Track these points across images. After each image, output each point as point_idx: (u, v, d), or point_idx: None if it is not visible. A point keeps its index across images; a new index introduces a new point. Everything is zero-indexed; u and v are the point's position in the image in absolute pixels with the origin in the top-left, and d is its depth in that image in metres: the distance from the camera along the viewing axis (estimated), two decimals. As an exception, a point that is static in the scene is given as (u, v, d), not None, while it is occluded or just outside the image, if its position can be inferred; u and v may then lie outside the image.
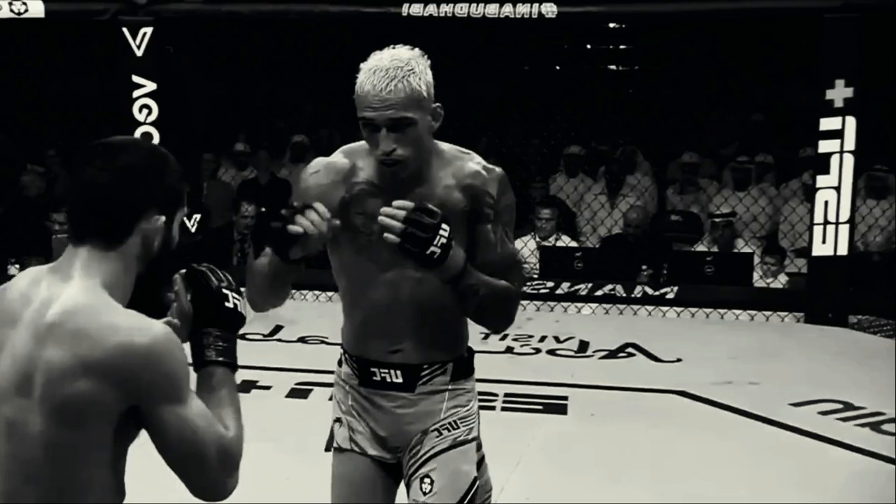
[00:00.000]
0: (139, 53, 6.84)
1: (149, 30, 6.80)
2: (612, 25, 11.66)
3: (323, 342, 5.80)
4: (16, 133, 8.86)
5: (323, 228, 2.25)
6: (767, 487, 4.03)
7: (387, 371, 2.47)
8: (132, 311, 1.69)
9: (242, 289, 1.93)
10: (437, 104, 2.40)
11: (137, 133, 6.84)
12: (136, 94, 6.87)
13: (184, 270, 1.86)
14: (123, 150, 1.76)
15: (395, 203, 2.23)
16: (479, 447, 2.60)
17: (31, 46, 8.45)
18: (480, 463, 2.63)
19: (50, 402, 1.63)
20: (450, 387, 2.50)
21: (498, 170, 2.47)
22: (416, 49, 2.41)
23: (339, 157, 2.48)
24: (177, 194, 1.80)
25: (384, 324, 2.45)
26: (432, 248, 2.21)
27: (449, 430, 2.48)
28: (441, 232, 2.22)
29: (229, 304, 1.84)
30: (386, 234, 2.21)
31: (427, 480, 2.46)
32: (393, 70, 2.30)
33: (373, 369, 2.48)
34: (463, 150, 2.51)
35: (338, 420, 2.56)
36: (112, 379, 1.63)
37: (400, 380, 2.47)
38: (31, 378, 1.64)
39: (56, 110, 9.30)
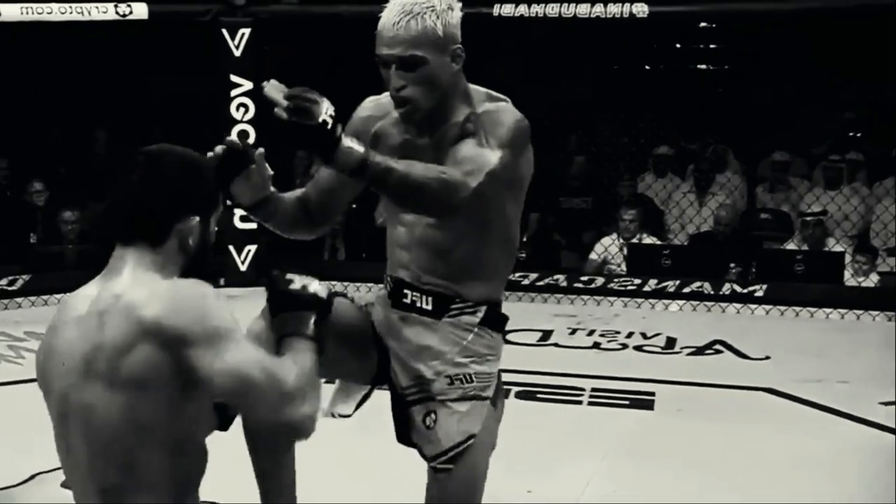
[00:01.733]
0: (237, 53, 7.05)
1: (247, 30, 7.01)
2: (702, 25, 11.59)
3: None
4: (119, 132, 9.12)
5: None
6: (856, 486, 4.00)
7: (418, 296, 2.46)
8: (180, 280, 1.87)
9: (329, 282, 2.06)
10: (458, 45, 2.32)
11: (234, 131, 7.06)
12: (233, 93, 7.08)
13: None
14: (160, 157, 1.92)
15: (271, 82, 2.14)
16: (494, 407, 2.53)
17: (134, 47, 8.71)
18: (488, 424, 2.53)
19: (118, 377, 1.77)
20: (476, 329, 2.46)
21: (500, 103, 2.40)
22: None
23: (385, 96, 2.43)
24: (210, 197, 1.96)
25: (411, 259, 2.46)
26: (323, 118, 2.06)
27: (462, 383, 2.44)
28: (326, 106, 2.09)
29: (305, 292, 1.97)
30: (276, 111, 2.10)
31: (432, 416, 2.43)
32: (409, 6, 2.26)
33: (405, 290, 2.47)
34: (497, 95, 2.43)
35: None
36: (163, 340, 1.76)
37: (430, 307, 2.44)
38: (96, 361, 1.78)
39: (157, 109, 9.57)
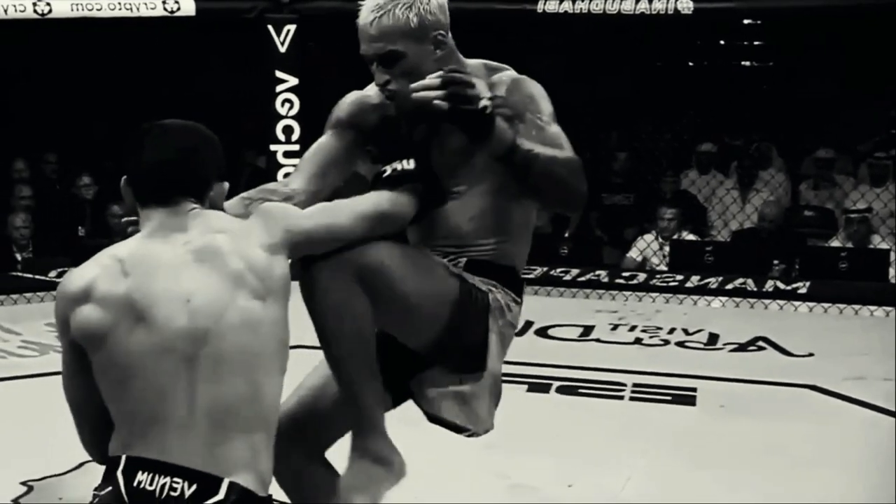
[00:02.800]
0: (283, 50, 7.12)
1: (292, 27, 7.08)
2: (747, 21, 11.54)
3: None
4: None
5: None
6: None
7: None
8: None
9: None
10: (439, 31, 2.31)
11: (279, 126, 7.13)
12: (278, 88, 7.15)
13: None
14: (182, 131, 2.03)
15: (425, 79, 2.15)
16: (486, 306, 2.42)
17: (181, 43, 8.80)
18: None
19: (271, 292, 1.93)
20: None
21: (506, 73, 2.40)
22: None
23: (370, 89, 2.49)
24: (224, 166, 2.09)
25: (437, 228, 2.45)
26: (483, 103, 2.11)
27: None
28: (481, 88, 2.16)
29: None
30: (435, 102, 2.11)
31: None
32: (382, 2, 2.27)
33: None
34: (495, 64, 2.43)
35: None
36: (278, 250, 1.98)
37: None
38: (247, 283, 1.91)
39: (201, 106, 9.66)
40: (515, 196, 2.39)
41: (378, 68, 2.31)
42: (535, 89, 2.37)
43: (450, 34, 2.36)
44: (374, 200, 2.18)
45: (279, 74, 7.15)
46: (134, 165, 1.98)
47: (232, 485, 1.80)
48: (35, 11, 6.58)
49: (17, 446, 4.09)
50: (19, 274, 7.14)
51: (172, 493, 1.78)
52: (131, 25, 7.12)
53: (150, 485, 1.79)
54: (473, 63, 2.42)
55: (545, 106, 2.34)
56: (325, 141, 2.51)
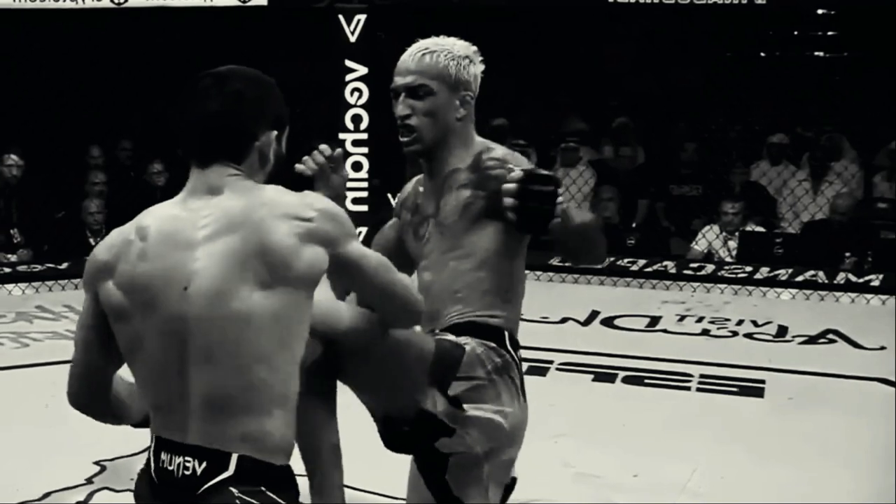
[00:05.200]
0: (352, 39, 7.17)
1: (363, 16, 7.12)
2: (819, 11, 11.37)
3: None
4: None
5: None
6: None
7: None
8: (287, 190, 1.94)
9: None
10: (468, 92, 2.44)
11: (348, 115, 7.18)
12: (348, 77, 7.20)
13: None
14: (231, 79, 1.94)
15: (511, 175, 2.24)
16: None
17: (252, 32, 8.89)
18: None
19: (282, 280, 1.82)
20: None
21: (496, 150, 2.47)
22: (473, 45, 2.48)
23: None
24: (282, 115, 1.99)
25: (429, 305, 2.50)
26: (557, 216, 2.25)
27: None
28: (556, 193, 2.23)
29: None
30: (507, 202, 2.22)
31: None
32: (427, 45, 2.41)
33: None
34: (491, 144, 2.52)
35: None
36: (319, 240, 1.87)
37: None
38: (250, 269, 1.81)
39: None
40: (511, 258, 2.44)
41: (404, 100, 2.40)
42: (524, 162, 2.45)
43: (474, 104, 2.48)
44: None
45: (349, 64, 7.20)
46: (179, 120, 1.95)
47: (241, 458, 1.81)
48: (112, 1, 6.69)
49: (90, 427, 4.17)
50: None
51: (186, 472, 1.82)
52: (204, 14, 7.21)
53: (170, 465, 1.85)
54: (478, 143, 2.49)
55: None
56: (386, 231, 2.70)
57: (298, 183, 2.28)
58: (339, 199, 2.23)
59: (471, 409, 2.34)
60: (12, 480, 3.72)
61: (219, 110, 1.90)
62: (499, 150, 2.46)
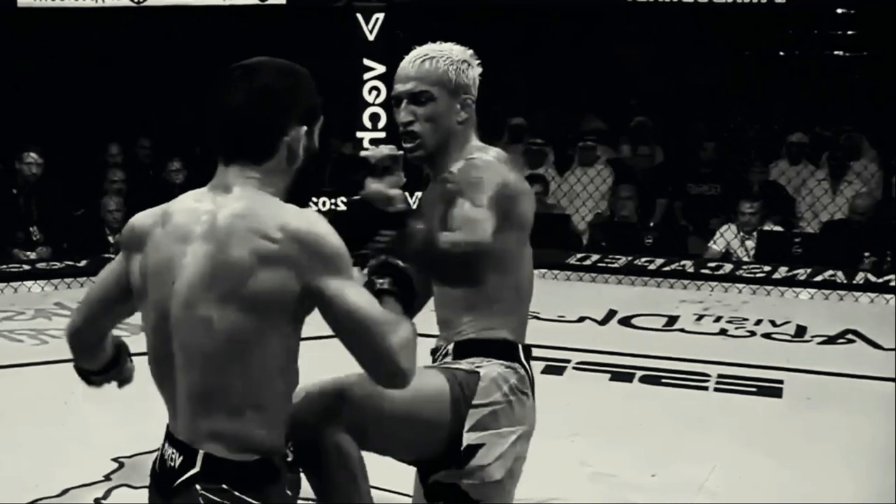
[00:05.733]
0: (371, 38, 7.18)
1: (381, 15, 7.13)
2: (839, 11, 11.32)
3: (535, 317, 5.95)
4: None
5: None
6: None
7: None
8: (291, 205, 1.83)
9: None
10: (469, 96, 2.44)
11: (366, 114, 7.20)
12: (366, 76, 7.21)
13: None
14: (260, 71, 1.86)
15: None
16: (449, 377, 2.39)
17: (270, 31, 8.91)
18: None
19: (238, 297, 1.77)
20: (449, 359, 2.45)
21: (474, 160, 2.42)
22: (469, 49, 2.48)
23: None
24: (314, 108, 1.91)
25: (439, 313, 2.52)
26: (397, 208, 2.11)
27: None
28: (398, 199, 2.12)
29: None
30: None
31: None
32: (426, 51, 2.43)
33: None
34: (484, 146, 2.49)
35: None
36: (285, 265, 1.76)
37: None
38: (216, 279, 1.78)
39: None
40: (492, 267, 2.39)
41: (406, 107, 2.41)
42: (479, 174, 2.36)
43: (474, 106, 2.47)
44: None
45: (367, 62, 7.21)
46: (208, 114, 1.89)
47: (206, 456, 1.81)
48: (131, 0, 6.72)
49: (108, 424, 4.20)
50: (112, 256, 7.30)
51: (171, 465, 1.84)
52: (223, 13, 7.23)
53: (166, 455, 1.86)
54: (476, 147, 2.47)
55: (477, 191, 2.31)
56: None
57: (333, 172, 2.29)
58: (386, 201, 2.12)
59: (489, 441, 2.35)
60: (31, 477, 3.74)
61: (244, 105, 1.84)
62: (483, 156, 2.43)
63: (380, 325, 1.78)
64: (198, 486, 1.80)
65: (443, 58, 2.42)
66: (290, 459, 1.90)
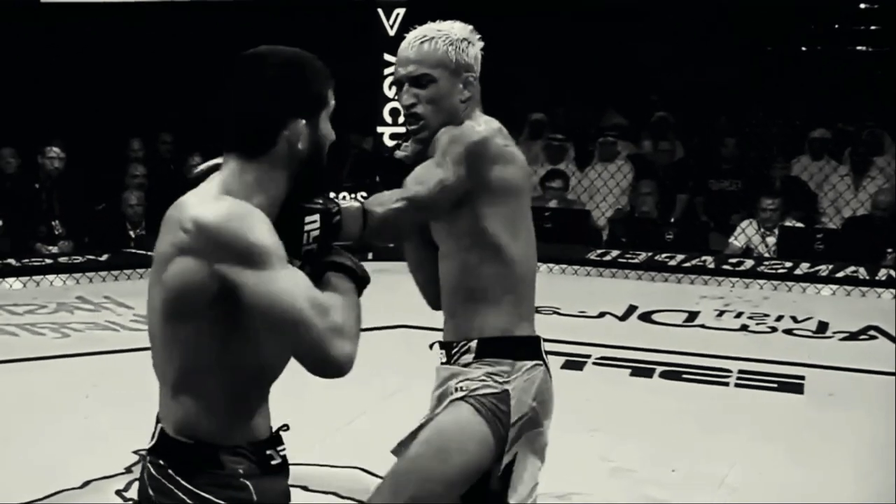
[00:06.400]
0: (391, 33, 7.18)
1: (402, 10, 7.13)
2: (862, 6, 11.27)
3: (556, 312, 5.99)
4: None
5: None
6: None
7: (440, 350, 2.46)
8: (227, 198, 1.75)
9: None
10: (470, 74, 2.39)
11: (386, 109, 7.20)
12: (386, 71, 7.21)
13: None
14: (256, 63, 1.80)
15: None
16: (479, 408, 2.35)
17: (291, 26, 8.93)
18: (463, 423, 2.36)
19: (161, 285, 1.78)
20: (473, 364, 2.39)
21: (451, 128, 2.38)
22: (469, 26, 2.44)
23: None
24: (317, 97, 1.82)
25: (443, 304, 2.48)
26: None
27: (452, 394, 2.38)
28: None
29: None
30: None
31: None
32: (425, 32, 2.39)
33: (441, 350, 2.47)
34: (478, 116, 2.44)
35: None
36: (192, 255, 1.72)
37: (444, 359, 2.44)
38: (156, 266, 1.80)
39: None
40: (486, 255, 2.37)
41: (408, 90, 2.38)
42: (447, 137, 2.34)
43: (477, 83, 2.43)
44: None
45: (387, 57, 7.21)
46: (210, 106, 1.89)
47: (161, 431, 1.86)
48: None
49: (130, 417, 4.21)
50: (133, 250, 7.36)
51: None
52: (245, 8, 7.25)
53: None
54: (482, 119, 2.43)
55: (439, 152, 2.32)
56: None
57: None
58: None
59: (523, 452, 2.37)
60: (52, 469, 3.76)
61: (238, 98, 1.80)
62: (467, 123, 2.39)
63: (303, 314, 1.68)
64: (148, 458, 1.86)
65: (442, 38, 2.38)
66: (275, 462, 1.88)
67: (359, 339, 1.76)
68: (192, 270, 1.74)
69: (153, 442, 1.86)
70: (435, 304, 2.53)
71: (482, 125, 2.39)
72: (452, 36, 2.39)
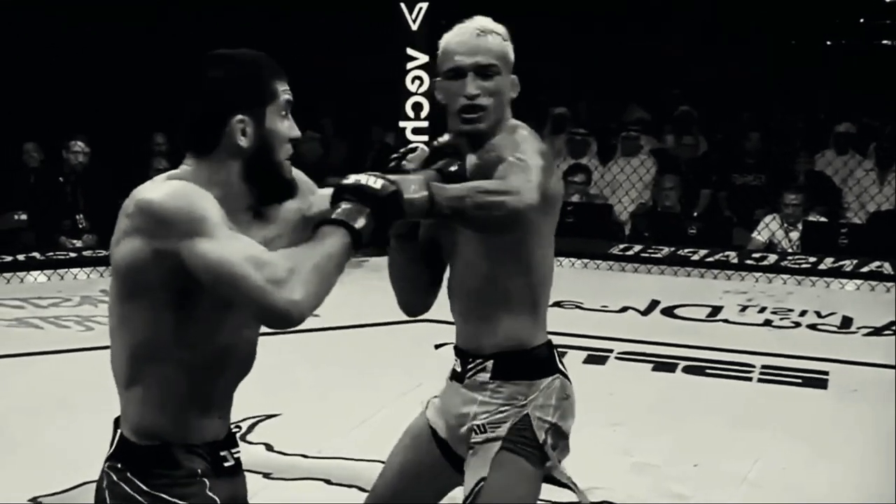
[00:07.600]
0: (414, 27, 7.18)
1: (424, 4, 7.13)
2: (887, 0, 11.20)
3: (578, 307, 5.98)
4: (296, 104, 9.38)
5: None
6: None
7: (456, 359, 2.41)
8: (172, 181, 1.82)
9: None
10: (515, 76, 2.38)
11: (409, 103, 7.20)
12: (409, 66, 7.21)
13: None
14: (205, 63, 1.85)
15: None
16: (512, 447, 2.30)
17: (313, 20, 8.94)
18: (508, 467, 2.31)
19: (113, 272, 1.84)
20: (490, 387, 2.33)
21: (518, 128, 2.34)
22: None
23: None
24: (259, 93, 1.83)
25: (455, 308, 2.40)
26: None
27: (477, 433, 2.33)
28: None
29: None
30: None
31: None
32: (483, 25, 2.35)
33: (456, 357, 2.42)
34: (515, 126, 2.38)
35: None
36: (137, 235, 1.77)
37: (459, 367, 2.38)
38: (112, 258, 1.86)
39: (333, 81, 9.81)
40: (519, 269, 2.31)
41: (474, 79, 2.31)
42: (522, 138, 2.28)
43: None
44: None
45: (410, 52, 7.21)
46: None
47: (119, 434, 1.90)
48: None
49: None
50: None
51: None
52: (268, 3, 7.27)
53: None
54: (515, 125, 2.38)
55: (524, 150, 2.21)
56: None
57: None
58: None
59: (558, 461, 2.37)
60: (77, 461, 3.78)
61: (184, 100, 1.85)
62: (525, 128, 2.35)
63: (238, 268, 1.69)
64: (106, 464, 1.88)
65: (500, 33, 2.37)
66: (228, 464, 1.89)
67: (322, 288, 1.73)
68: (139, 249, 1.77)
69: (112, 448, 1.88)
70: (411, 310, 2.46)
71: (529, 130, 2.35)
72: (503, 33, 2.37)
